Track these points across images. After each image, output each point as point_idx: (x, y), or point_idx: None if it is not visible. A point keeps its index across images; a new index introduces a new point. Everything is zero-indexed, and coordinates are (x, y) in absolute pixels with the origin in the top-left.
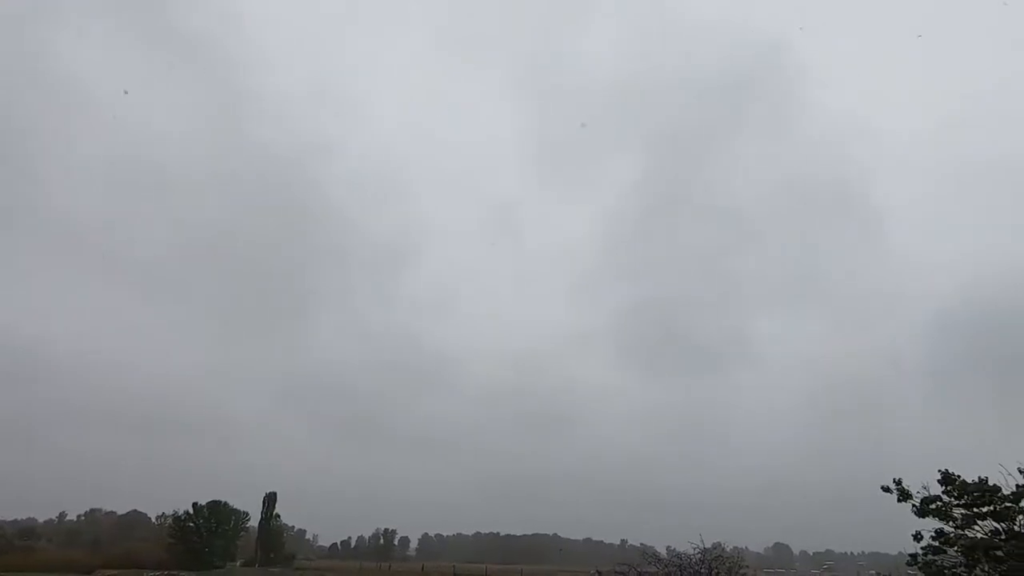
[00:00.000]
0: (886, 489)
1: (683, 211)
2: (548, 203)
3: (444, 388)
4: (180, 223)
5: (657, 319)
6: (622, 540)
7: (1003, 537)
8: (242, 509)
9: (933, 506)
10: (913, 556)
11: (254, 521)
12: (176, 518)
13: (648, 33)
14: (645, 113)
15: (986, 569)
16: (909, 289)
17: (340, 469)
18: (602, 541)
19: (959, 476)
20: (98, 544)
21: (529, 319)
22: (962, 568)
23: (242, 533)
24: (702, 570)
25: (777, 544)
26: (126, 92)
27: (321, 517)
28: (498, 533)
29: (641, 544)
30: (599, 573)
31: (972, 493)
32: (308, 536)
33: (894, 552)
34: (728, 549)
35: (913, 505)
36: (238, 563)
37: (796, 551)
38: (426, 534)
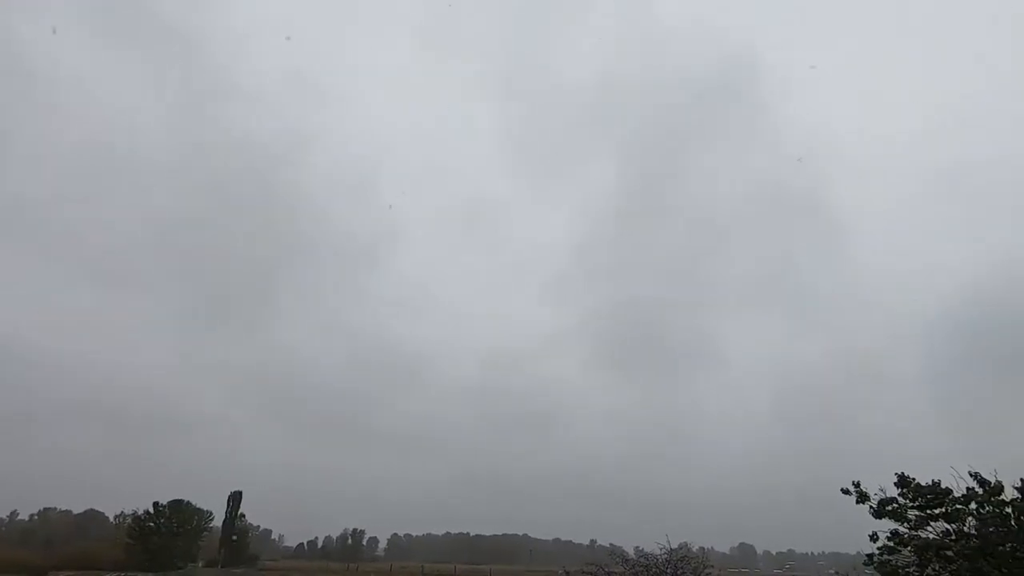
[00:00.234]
0: (845, 491)
1: (657, 214)
2: (524, 203)
3: (416, 386)
4: (147, 212)
5: (629, 320)
6: (591, 540)
7: (953, 538)
8: (206, 508)
9: (889, 508)
10: (870, 556)
11: (218, 521)
12: (135, 517)
13: (625, 38)
14: (621, 116)
15: (936, 568)
16: (877, 294)
17: (309, 468)
18: (571, 541)
19: (915, 479)
20: (51, 544)
21: (502, 318)
22: (914, 568)
23: (205, 533)
24: (668, 570)
25: (742, 544)
26: (87, 77)
27: (288, 517)
28: (468, 533)
29: (610, 544)
30: (567, 573)
31: (926, 495)
32: (274, 536)
33: (853, 552)
34: (694, 549)
35: (871, 507)
36: (200, 564)
37: (760, 551)
38: (395, 534)
